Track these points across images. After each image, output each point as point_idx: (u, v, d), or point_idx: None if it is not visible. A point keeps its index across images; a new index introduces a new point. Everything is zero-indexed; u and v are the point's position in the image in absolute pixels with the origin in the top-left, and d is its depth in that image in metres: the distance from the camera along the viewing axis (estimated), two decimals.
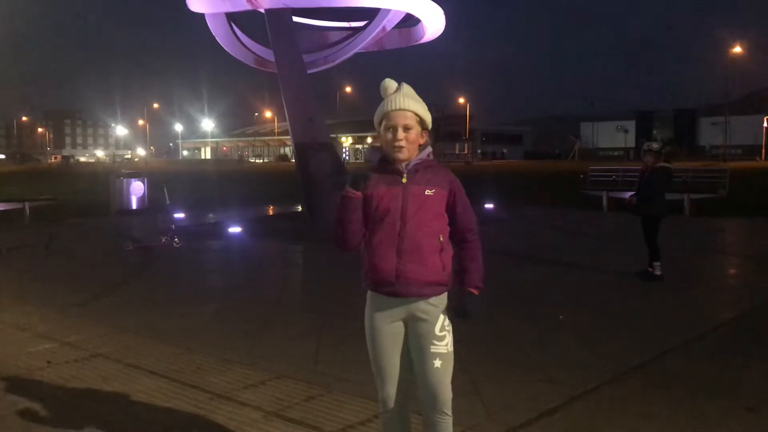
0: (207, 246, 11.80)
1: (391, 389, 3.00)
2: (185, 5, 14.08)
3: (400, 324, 2.95)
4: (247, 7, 13.42)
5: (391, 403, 3.01)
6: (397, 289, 2.85)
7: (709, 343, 5.63)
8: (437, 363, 2.90)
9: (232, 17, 15.18)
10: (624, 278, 8.22)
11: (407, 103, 2.85)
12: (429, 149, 2.95)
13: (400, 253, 2.82)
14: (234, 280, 8.95)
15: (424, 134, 2.90)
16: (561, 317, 6.26)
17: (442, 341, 2.91)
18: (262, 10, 13.74)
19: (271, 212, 18.06)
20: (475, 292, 2.92)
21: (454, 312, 2.94)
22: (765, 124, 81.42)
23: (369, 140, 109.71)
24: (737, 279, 8.94)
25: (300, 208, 15.58)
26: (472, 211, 3.00)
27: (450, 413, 2.94)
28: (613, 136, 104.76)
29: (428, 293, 2.86)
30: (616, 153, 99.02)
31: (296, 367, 4.96)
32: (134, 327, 6.18)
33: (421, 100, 2.91)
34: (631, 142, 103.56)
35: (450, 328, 2.94)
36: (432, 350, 2.90)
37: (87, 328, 6.15)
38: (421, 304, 2.88)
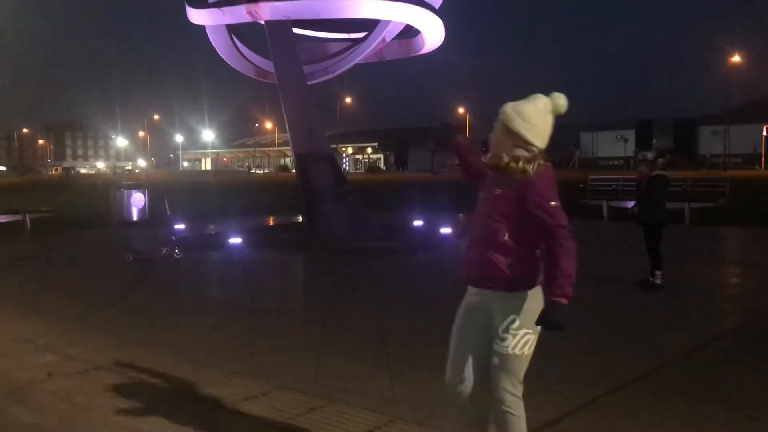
0: (207, 257, 11.80)
1: (451, 363, 3.18)
2: (186, 17, 14.15)
3: (480, 306, 3.10)
4: (248, 19, 13.48)
5: (448, 378, 3.17)
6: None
7: (711, 352, 5.62)
8: (495, 360, 3.02)
9: (232, 29, 15.24)
10: (626, 287, 8.22)
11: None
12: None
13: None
14: (234, 291, 8.95)
15: None
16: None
17: (504, 342, 2.99)
18: (263, 22, 13.80)
19: (271, 223, 18.06)
20: (561, 300, 2.83)
21: (540, 322, 2.91)
22: (765, 133, 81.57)
23: (369, 150, 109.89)
24: (739, 288, 8.93)
25: (301, 219, 15.60)
26: (551, 215, 2.94)
27: (508, 408, 3.02)
28: (613, 145, 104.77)
29: (491, 287, 3.03)
30: (616, 162, 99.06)
31: (297, 379, 4.95)
32: (135, 339, 6.17)
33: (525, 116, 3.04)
34: (630, 151, 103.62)
35: (520, 332, 2.97)
36: (494, 347, 3.03)
37: (88, 340, 6.14)
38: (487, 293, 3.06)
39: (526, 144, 3.01)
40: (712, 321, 6.76)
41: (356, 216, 13.24)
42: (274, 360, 5.47)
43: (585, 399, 4.45)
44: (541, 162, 3.01)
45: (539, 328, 2.95)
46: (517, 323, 2.97)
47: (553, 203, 2.96)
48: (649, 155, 8.36)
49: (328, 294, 8.50)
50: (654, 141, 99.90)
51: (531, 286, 3.01)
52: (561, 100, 3.08)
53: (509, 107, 3.05)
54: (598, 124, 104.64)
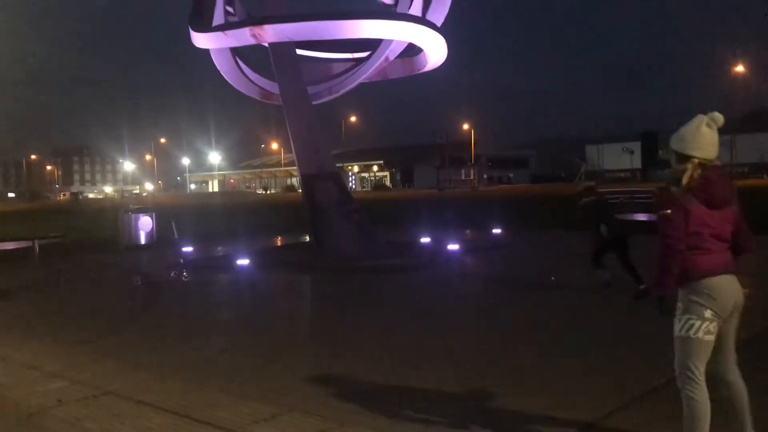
0: (215, 279, 11.81)
1: None
2: (191, 42, 14.28)
3: None
4: (252, 41, 13.60)
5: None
6: None
7: None
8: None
9: (236, 52, 15.38)
10: (635, 301, 8.15)
11: None
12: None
13: None
14: (242, 313, 8.93)
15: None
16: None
17: (674, 326, 3.58)
18: (266, 44, 13.92)
19: (279, 243, 18.08)
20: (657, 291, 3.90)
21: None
22: None
23: (374, 168, 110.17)
24: (748, 299, 8.83)
25: (308, 239, 15.60)
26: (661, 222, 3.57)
27: (681, 386, 3.53)
28: (619, 157, 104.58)
29: None
30: (622, 175, 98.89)
31: (307, 400, 4.93)
32: (144, 363, 6.17)
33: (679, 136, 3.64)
34: (637, 163, 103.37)
35: (681, 316, 3.55)
36: None
37: (97, 366, 6.14)
38: None
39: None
40: None
41: (363, 234, 13.25)
42: (283, 382, 5.44)
43: (597, 415, 4.40)
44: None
45: (708, 314, 3.49)
46: (680, 308, 3.56)
47: (661, 213, 3.56)
48: (582, 185, 9.63)
49: (336, 314, 8.47)
50: (660, 152, 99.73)
51: (684, 280, 3.55)
52: (715, 114, 3.59)
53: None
54: (603, 137, 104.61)
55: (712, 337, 3.52)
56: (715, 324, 3.52)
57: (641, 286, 8.14)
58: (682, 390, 3.51)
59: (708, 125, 3.55)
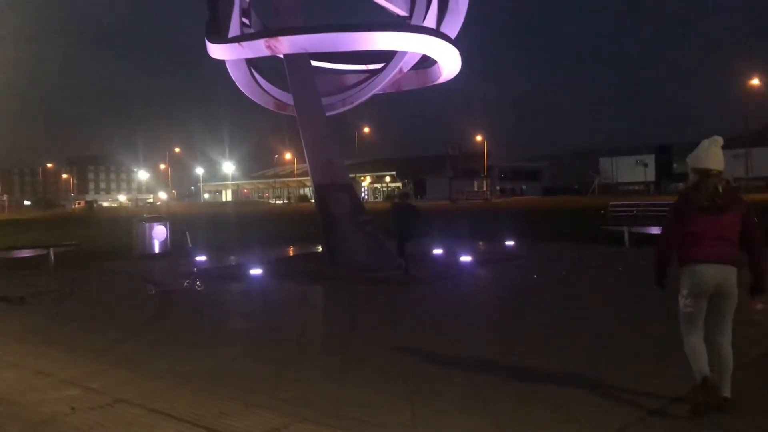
0: (228, 288, 11.85)
1: None
2: (206, 52, 14.41)
3: None
4: (267, 53, 13.70)
5: None
6: None
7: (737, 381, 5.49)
8: None
9: (251, 63, 15.49)
10: (649, 313, 8.10)
11: None
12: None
13: None
14: (255, 323, 8.96)
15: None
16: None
17: None
18: (281, 56, 14.02)
19: (291, 253, 18.12)
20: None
21: None
22: None
23: (387, 179, 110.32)
24: (765, 314, 8.75)
25: (320, 249, 15.63)
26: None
27: (686, 352, 4.68)
28: (633, 170, 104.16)
29: None
30: (636, 187, 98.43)
31: (318, 411, 4.93)
32: (157, 371, 6.20)
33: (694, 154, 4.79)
34: (651, 176, 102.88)
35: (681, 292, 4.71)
36: None
37: (110, 373, 6.18)
38: None
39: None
40: (738, 347, 6.60)
41: (375, 245, 13.26)
42: (295, 392, 5.45)
43: (608, 430, 4.37)
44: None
45: (686, 291, 4.64)
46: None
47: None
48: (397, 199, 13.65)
49: (348, 324, 8.48)
50: (674, 165, 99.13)
51: (679, 264, 4.73)
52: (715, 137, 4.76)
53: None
54: (617, 149, 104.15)
55: (692, 309, 4.61)
56: (692, 300, 4.59)
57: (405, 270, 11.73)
58: (684, 338, 4.72)
59: (715, 145, 4.69)
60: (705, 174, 4.56)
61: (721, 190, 4.49)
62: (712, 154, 4.61)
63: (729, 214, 4.49)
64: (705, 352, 4.57)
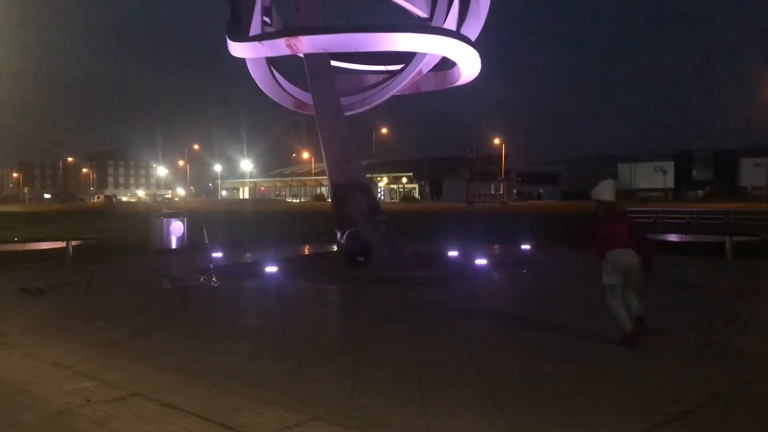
0: (244, 285, 11.90)
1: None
2: (227, 51, 14.49)
3: None
4: (287, 52, 13.76)
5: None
6: None
7: (746, 394, 5.44)
8: None
9: (271, 61, 15.56)
10: (662, 323, 8.03)
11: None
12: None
13: None
14: (270, 320, 8.99)
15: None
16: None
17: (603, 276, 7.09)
18: (301, 55, 14.07)
19: (307, 252, 18.17)
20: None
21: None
22: None
23: (404, 180, 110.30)
24: None
25: (336, 248, 15.65)
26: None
27: (608, 302, 7.00)
28: (652, 176, 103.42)
29: None
30: (654, 194, 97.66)
31: (332, 410, 4.94)
32: (172, 366, 6.24)
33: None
34: (670, 182, 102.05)
35: (604, 272, 7.04)
36: None
37: (126, 367, 6.23)
38: None
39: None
40: (752, 359, 6.54)
41: (391, 246, 13.26)
42: (308, 390, 5.47)
43: None
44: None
45: (609, 269, 7.01)
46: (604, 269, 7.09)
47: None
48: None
49: (363, 324, 8.48)
50: (694, 173, 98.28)
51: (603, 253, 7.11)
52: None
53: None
54: (636, 155, 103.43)
55: (613, 282, 6.91)
56: (614, 275, 6.91)
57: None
58: (609, 303, 6.96)
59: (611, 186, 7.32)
60: (601, 202, 7.22)
61: (614, 210, 7.18)
62: (607, 191, 7.26)
63: (621, 222, 7.13)
64: (624, 311, 6.87)
